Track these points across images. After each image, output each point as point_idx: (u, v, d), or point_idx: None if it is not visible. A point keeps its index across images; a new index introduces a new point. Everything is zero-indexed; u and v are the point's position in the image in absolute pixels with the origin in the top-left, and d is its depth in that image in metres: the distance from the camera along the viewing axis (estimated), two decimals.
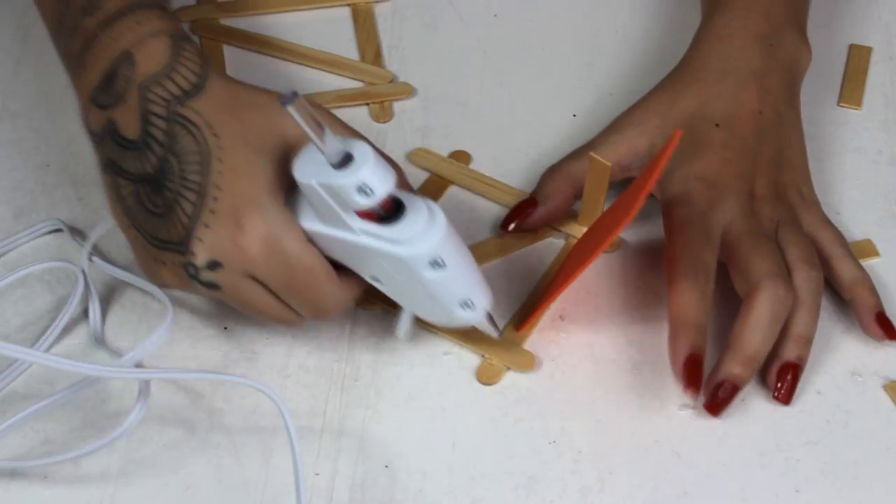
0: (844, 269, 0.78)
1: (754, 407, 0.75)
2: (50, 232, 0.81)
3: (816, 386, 0.75)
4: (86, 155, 0.84)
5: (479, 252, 0.80)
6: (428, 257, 0.68)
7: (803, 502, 0.71)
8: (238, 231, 0.68)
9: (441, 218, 0.68)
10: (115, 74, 0.71)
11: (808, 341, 0.75)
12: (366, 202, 0.66)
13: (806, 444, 0.73)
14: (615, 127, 0.81)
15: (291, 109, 0.63)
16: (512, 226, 0.80)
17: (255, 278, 0.69)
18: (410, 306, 0.72)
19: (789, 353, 0.74)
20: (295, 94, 0.63)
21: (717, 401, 0.73)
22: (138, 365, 0.73)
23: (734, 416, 0.74)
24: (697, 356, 0.73)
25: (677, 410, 0.74)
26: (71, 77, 0.75)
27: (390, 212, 0.68)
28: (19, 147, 0.85)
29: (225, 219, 0.68)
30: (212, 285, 0.70)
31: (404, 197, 0.68)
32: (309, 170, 0.67)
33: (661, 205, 0.79)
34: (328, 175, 0.66)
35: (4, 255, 0.80)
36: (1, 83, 0.88)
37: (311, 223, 0.69)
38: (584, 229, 0.80)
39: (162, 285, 0.73)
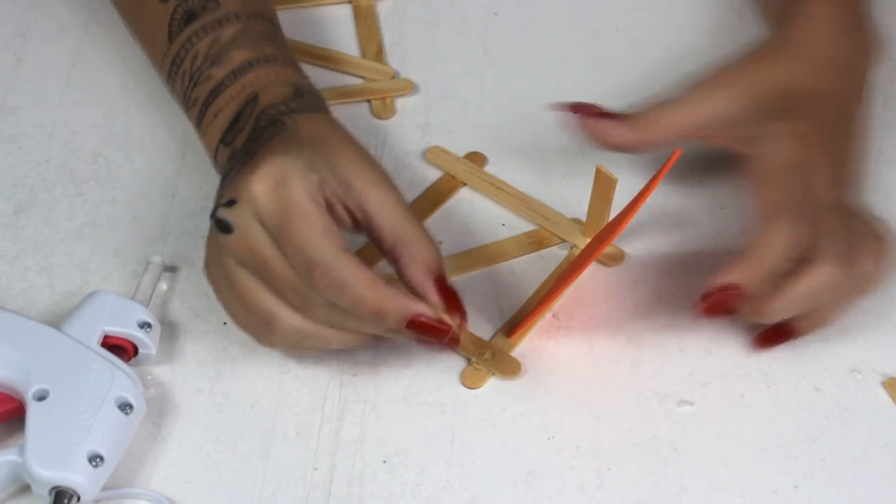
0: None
1: (753, 403, 0.75)
2: None
3: (815, 383, 0.76)
4: (85, 151, 0.85)
5: (482, 255, 0.80)
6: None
7: (802, 498, 0.71)
8: (253, 171, 0.70)
9: None
10: (241, 114, 0.76)
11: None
12: None
13: (804, 441, 0.73)
14: (704, 86, 0.78)
15: None
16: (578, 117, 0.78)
17: (262, 224, 0.69)
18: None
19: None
20: None
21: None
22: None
23: (732, 413, 0.74)
24: (737, 288, 0.72)
25: (676, 407, 0.74)
26: (194, 119, 0.79)
27: None
28: (20, 142, 0.85)
29: (250, 165, 0.70)
30: (225, 227, 0.69)
31: None
32: None
33: (741, 159, 0.77)
34: None
35: None
36: (2, 79, 0.88)
37: None
38: (588, 240, 0.81)
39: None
